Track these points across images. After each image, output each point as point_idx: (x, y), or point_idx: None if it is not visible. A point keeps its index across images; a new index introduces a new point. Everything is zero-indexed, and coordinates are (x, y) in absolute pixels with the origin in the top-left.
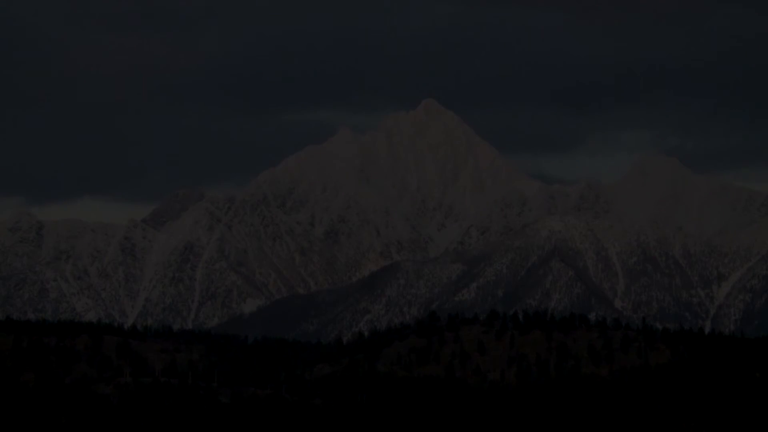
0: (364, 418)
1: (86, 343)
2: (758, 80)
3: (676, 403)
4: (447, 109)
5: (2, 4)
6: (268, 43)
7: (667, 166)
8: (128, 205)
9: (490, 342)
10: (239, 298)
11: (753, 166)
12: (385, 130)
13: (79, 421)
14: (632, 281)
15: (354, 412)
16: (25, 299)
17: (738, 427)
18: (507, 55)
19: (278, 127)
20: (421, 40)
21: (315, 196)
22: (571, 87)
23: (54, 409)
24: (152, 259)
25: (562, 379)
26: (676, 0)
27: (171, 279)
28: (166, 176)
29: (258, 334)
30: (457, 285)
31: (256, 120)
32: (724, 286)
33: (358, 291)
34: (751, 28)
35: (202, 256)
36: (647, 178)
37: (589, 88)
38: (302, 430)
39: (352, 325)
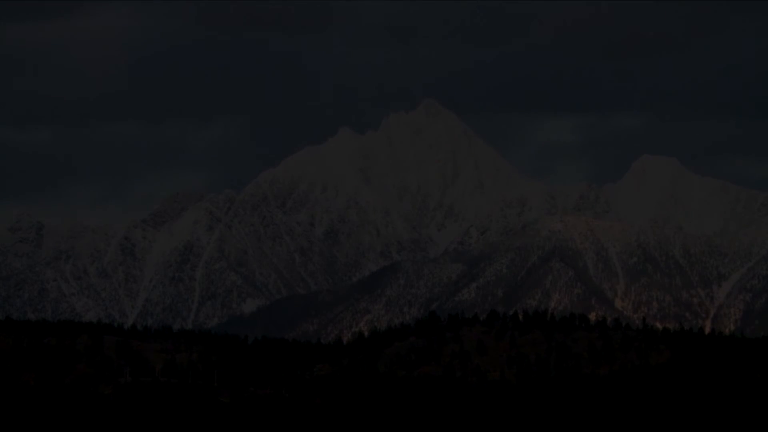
0: (364, 418)
1: (86, 343)
2: None
3: (676, 403)
4: (447, 109)
5: None
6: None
7: (667, 166)
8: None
9: (490, 342)
10: (239, 298)
11: None
12: (385, 130)
13: (79, 421)
14: (632, 281)
15: (354, 412)
16: (25, 299)
17: (738, 427)
18: None
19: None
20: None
21: (315, 196)
22: None
23: (54, 409)
24: (152, 259)
25: (562, 379)
26: None
27: (171, 279)
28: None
29: (258, 334)
30: (457, 285)
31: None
32: (724, 286)
33: (358, 291)
34: None
35: (202, 256)
36: (647, 178)
37: None
38: (302, 430)
39: (352, 325)
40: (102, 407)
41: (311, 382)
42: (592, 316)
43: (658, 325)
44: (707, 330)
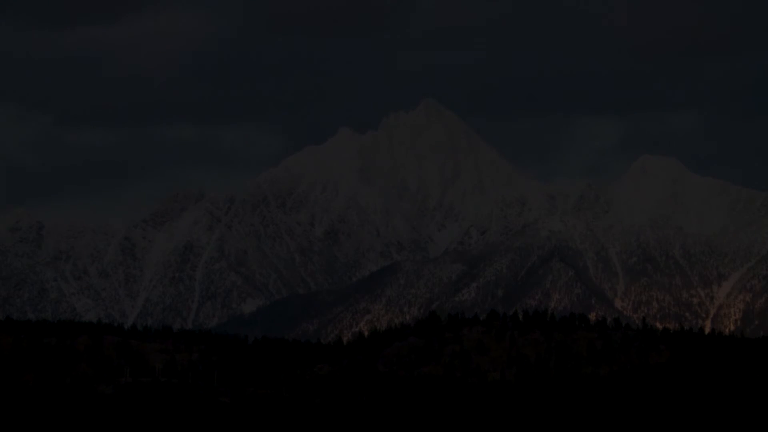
0: (364, 418)
1: (86, 343)
2: None
3: (676, 403)
4: (447, 109)
5: None
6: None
7: (667, 166)
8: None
9: (490, 342)
10: (239, 298)
11: None
12: (385, 130)
13: (79, 421)
14: (632, 281)
15: (354, 412)
16: (25, 299)
17: (738, 427)
18: None
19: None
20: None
21: (315, 196)
22: None
23: (54, 409)
24: (152, 259)
25: (562, 379)
26: None
27: (171, 279)
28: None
29: (258, 334)
30: (457, 285)
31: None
32: (724, 286)
33: (358, 291)
34: None
35: (202, 256)
36: (647, 178)
37: None
38: (302, 430)
39: (352, 325)
40: (102, 407)
41: (311, 382)
42: (592, 316)
43: (658, 325)
44: (707, 330)
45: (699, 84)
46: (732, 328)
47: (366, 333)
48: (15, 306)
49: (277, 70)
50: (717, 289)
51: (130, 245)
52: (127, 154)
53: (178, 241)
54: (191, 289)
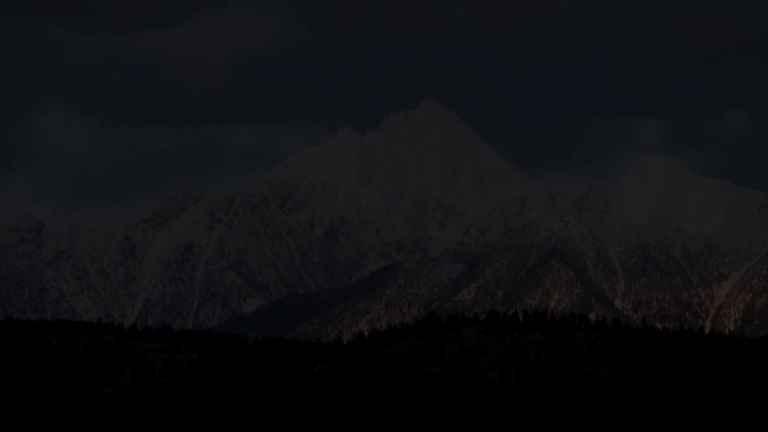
0: (364, 418)
1: (86, 343)
2: None
3: (676, 403)
4: (447, 109)
5: None
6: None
7: (667, 166)
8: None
9: (490, 342)
10: (239, 298)
11: None
12: (385, 130)
13: (79, 421)
14: (632, 281)
15: (354, 412)
16: (25, 299)
17: (738, 427)
18: None
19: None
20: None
21: (315, 196)
22: None
23: (54, 409)
24: (152, 259)
25: (562, 379)
26: None
27: (171, 279)
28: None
29: (258, 334)
30: (457, 285)
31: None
32: (724, 286)
33: (358, 291)
34: None
35: (202, 256)
36: (647, 178)
37: None
38: (302, 430)
39: (352, 325)
40: (102, 407)
41: (311, 382)
42: (592, 316)
43: (658, 325)
44: (707, 330)
45: (699, 84)
46: (732, 328)
47: (366, 333)
48: (15, 306)
49: (278, 70)
50: (717, 289)
51: (130, 245)
52: (127, 153)
53: (178, 241)
54: (191, 289)
